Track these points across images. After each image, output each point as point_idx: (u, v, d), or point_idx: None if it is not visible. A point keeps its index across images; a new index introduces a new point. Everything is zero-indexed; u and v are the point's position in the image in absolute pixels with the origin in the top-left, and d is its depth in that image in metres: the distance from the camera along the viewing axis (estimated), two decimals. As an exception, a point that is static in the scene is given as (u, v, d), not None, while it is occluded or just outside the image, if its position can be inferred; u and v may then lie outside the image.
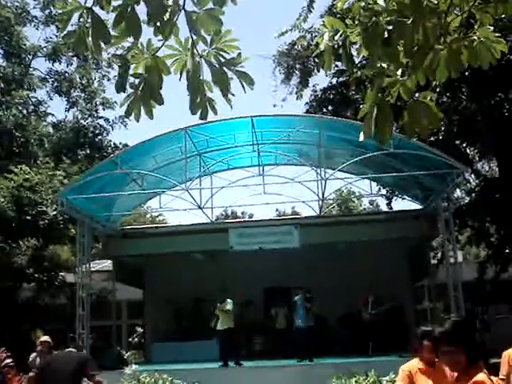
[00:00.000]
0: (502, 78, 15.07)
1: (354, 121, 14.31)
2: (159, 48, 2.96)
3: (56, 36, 28.39)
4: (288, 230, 16.90)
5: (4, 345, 9.79)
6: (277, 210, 46.09)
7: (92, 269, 17.84)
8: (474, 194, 20.85)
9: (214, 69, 2.96)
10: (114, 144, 28.92)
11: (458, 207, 19.25)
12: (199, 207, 16.12)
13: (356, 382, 11.08)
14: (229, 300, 14.82)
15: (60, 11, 2.89)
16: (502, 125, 16.39)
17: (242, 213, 46.43)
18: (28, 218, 19.06)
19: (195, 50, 2.93)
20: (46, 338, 12.31)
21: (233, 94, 3.01)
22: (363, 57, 3.41)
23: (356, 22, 3.19)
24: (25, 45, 28.68)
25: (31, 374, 9.85)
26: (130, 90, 3.04)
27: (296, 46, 20.62)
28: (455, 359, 3.38)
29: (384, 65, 3.22)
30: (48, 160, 22.72)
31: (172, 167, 17.63)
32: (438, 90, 15.49)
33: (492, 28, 3.23)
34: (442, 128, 16.59)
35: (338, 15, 7.66)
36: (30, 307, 21.49)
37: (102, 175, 15.41)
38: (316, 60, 19.73)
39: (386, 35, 3.04)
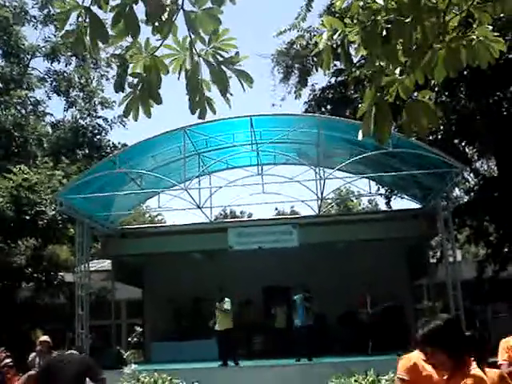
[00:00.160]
0: (500, 77, 15.08)
1: (353, 120, 14.31)
2: (158, 47, 2.96)
3: (54, 36, 28.41)
4: (287, 230, 16.90)
5: (3, 345, 9.79)
6: (276, 209, 46.07)
7: (91, 268, 17.84)
8: (472, 193, 20.87)
9: (213, 68, 2.96)
10: (113, 144, 28.92)
11: (456, 206, 19.26)
12: (198, 207, 16.12)
13: (355, 381, 11.06)
14: (227, 299, 14.82)
15: (58, 10, 2.89)
16: (500, 124, 16.40)
17: (241, 212, 46.42)
18: (27, 217, 19.05)
19: (194, 50, 2.93)
20: (45, 337, 12.31)
21: (231, 94, 3.01)
22: (362, 56, 3.41)
23: (355, 22, 3.19)
24: (23, 44, 28.66)
25: (31, 372, 9.84)
26: (128, 90, 3.04)
27: (295, 46, 20.64)
28: (439, 360, 3.40)
29: (382, 64, 3.22)
30: (47, 160, 22.70)
31: (171, 167, 17.62)
32: (436, 89, 15.49)
33: (491, 27, 3.23)
34: (441, 127, 16.60)
35: (337, 14, 7.66)
36: (29, 307, 21.47)
37: (100, 175, 15.39)
38: (315, 59, 19.74)
39: (385, 34, 3.04)
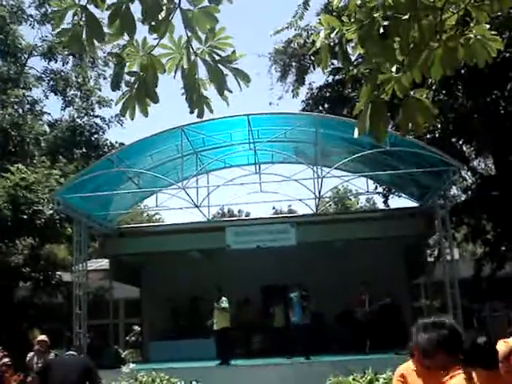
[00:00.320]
0: (497, 75, 15.09)
1: (351, 119, 14.31)
2: (154, 46, 2.96)
3: (52, 35, 28.27)
4: (285, 228, 16.91)
5: (1, 344, 9.79)
6: (273, 208, 46.11)
7: (89, 268, 17.81)
8: (470, 192, 20.90)
9: (210, 67, 2.95)
10: (111, 143, 28.86)
11: (454, 205, 19.29)
12: (196, 206, 16.11)
13: (353, 379, 11.09)
14: (224, 298, 14.83)
15: (54, 9, 2.88)
16: (497, 122, 16.41)
17: (239, 211, 46.49)
18: (24, 217, 19.03)
19: (190, 48, 2.92)
20: (43, 337, 12.33)
21: (230, 91, 3.01)
22: (359, 54, 3.41)
23: (352, 20, 3.19)
24: (20, 44, 28.59)
25: (30, 378, 9.86)
26: (125, 88, 3.03)
27: (292, 44, 20.63)
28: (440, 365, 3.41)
29: (379, 61, 3.22)
30: (44, 159, 22.68)
31: (168, 166, 17.61)
32: (434, 87, 15.51)
33: (488, 26, 3.22)
34: (438, 126, 16.61)
35: (334, 13, 7.65)
36: (26, 306, 21.48)
37: (98, 174, 15.37)
38: (312, 58, 19.75)
39: (382, 31, 3.04)
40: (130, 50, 2.96)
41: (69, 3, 2.78)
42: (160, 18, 2.79)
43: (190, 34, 2.88)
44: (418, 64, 3.15)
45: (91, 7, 2.79)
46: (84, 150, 28.41)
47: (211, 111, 3.08)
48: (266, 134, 16.56)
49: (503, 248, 19.32)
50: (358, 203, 45.48)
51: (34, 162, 23.34)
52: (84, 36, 2.82)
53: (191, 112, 3.05)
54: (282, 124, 16.42)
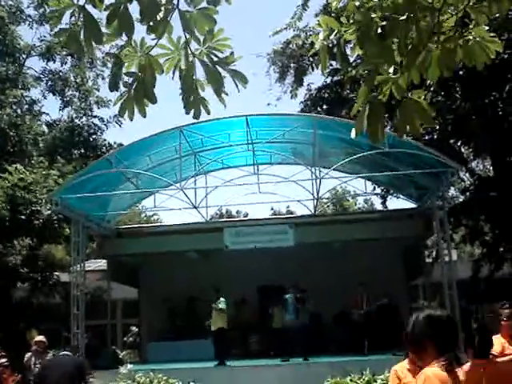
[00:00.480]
0: (496, 77, 15.10)
1: (349, 120, 14.31)
2: (153, 47, 2.96)
3: (50, 35, 28.27)
4: (283, 229, 16.91)
5: (-2, 344, 9.78)
6: (272, 208, 46.15)
7: (87, 268, 17.78)
8: (468, 193, 20.90)
9: (208, 68, 2.95)
10: (109, 143, 28.84)
11: (452, 206, 19.29)
12: (194, 206, 16.09)
13: (351, 380, 11.09)
14: (222, 299, 14.83)
15: (52, 9, 2.88)
16: (496, 124, 16.42)
17: (237, 212, 46.47)
18: (22, 217, 19.01)
19: (188, 49, 2.92)
20: (41, 337, 12.33)
21: (226, 94, 3.01)
22: (358, 55, 3.41)
23: (351, 21, 3.19)
24: (19, 44, 28.57)
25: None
26: (123, 89, 3.03)
27: (291, 45, 20.63)
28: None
29: (377, 62, 3.22)
30: (42, 159, 22.67)
31: (167, 166, 17.60)
32: (432, 89, 15.51)
33: (487, 28, 3.22)
34: (437, 127, 16.62)
35: (333, 14, 7.65)
36: (24, 307, 21.47)
37: (96, 174, 15.34)
38: (311, 59, 19.77)
39: (380, 32, 3.04)
40: (128, 50, 2.96)
41: (67, 3, 2.78)
42: (158, 18, 2.79)
43: (188, 35, 2.88)
44: (416, 65, 3.15)
45: (89, 7, 2.79)
46: (82, 151, 28.39)
47: (208, 112, 3.08)
48: (265, 135, 16.56)
49: (501, 249, 19.32)
50: (356, 204, 45.51)
51: (33, 162, 23.33)
52: (82, 36, 2.82)
53: (187, 113, 3.05)
54: (280, 125, 16.42)
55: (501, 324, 6.20)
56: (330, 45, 3.30)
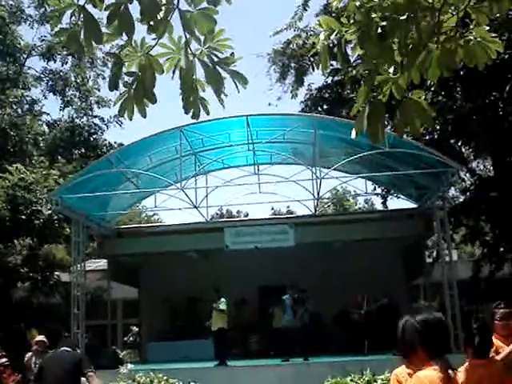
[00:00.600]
0: (496, 77, 15.09)
1: (349, 120, 14.30)
2: (153, 46, 2.95)
3: (51, 35, 28.29)
4: (283, 229, 16.90)
5: (-1, 344, 9.78)
6: (272, 208, 46.16)
7: (87, 268, 17.79)
8: (468, 193, 20.90)
9: (208, 68, 2.95)
10: (109, 143, 28.86)
11: (452, 206, 19.29)
12: (194, 206, 16.08)
13: (351, 380, 11.09)
14: (222, 299, 14.82)
15: (53, 8, 2.88)
16: (496, 124, 16.41)
17: (238, 212, 46.49)
18: (23, 217, 19.01)
19: (189, 49, 2.92)
20: (41, 337, 12.32)
21: (226, 95, 3.00)
22: (358, 55, 3.41)
23: (351, 21, 3.19)
24: (19, 43, 28.60)
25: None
26: (123, 89, 3.03)
27: (291, 45, 20.63)
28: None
29: (377, 62, 3.21)
30: (43, 159, 22.69)
31: (167, 166, 17.59)
32: (432, 89, 15.51)
33: (487, 28, 3.22)
34: (437, 127, 16.62)
35: (334, 14, 7.65)
36: (24, 306, 21.47)
37: (96, 174, 15.33)
38: (311, 59, 19.77)
39: (380, 32, 3.04)
40: (129, 50, 2.95)
41: (67, 3, 2.78)
42: (158, 18, 2.79)
43: (188, 35, 2.88)
44: (416, 65, 3.15)
45: (89, 7, 2.79)
46: (83, 151, 28.40)
47: (207, 113, 3.07)
48: (265, 135, 16.55)
49: (502, 249, 19.31)
50: (356, 204, 45.50)
51: (33, 162, 23.34)
52: (82, 36, 2.82)
53: (186, 112, 3.05)
54: (280, 125, 16.41)
55: (495, 324, 6.24)
56: (331, 45, 3.30)
